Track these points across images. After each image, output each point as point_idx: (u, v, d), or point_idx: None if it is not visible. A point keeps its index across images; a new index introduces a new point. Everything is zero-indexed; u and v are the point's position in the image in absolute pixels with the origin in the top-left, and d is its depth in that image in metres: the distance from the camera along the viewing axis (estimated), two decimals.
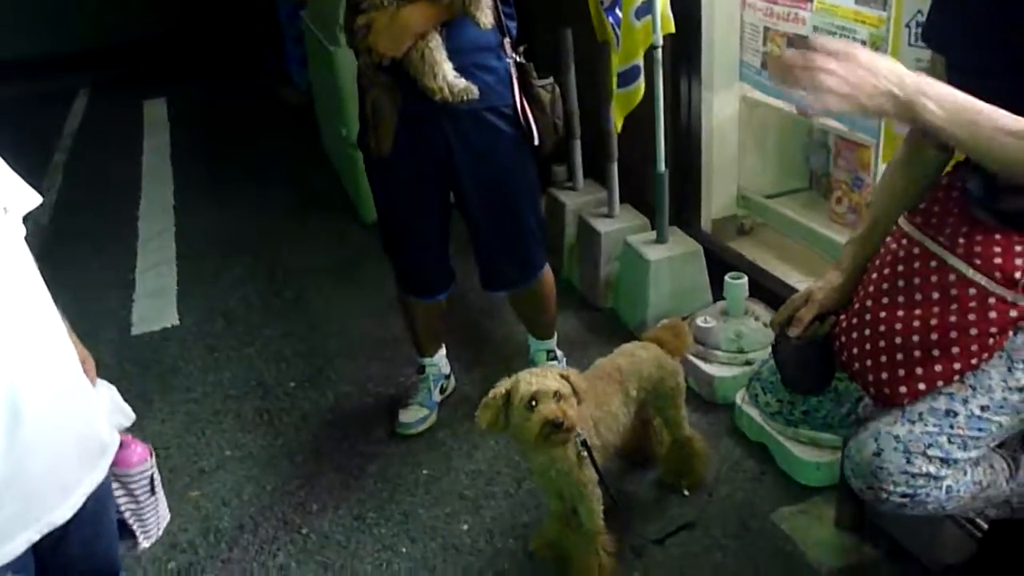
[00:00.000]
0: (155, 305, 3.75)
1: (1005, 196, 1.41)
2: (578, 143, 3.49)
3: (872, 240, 1.65)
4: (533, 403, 1.84)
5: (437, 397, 2.83)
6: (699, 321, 2.77)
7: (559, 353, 2.90)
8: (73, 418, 1.39)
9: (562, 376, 1.90)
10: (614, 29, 2.87)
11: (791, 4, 2.75)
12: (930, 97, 1.23)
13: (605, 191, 3.37)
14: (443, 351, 2.89)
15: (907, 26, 2.22)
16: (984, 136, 1.24)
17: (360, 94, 2.37)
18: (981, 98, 1.25)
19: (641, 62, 2.81)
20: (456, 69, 2.21)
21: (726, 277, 2.73)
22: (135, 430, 2.85)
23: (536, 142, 2.40)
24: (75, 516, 1.37)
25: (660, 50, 2.76)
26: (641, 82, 2.85)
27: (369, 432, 2.79)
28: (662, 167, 2.91)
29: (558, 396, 1.85)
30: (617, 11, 2.82)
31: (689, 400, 2.45)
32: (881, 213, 1.67)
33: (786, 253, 3.15)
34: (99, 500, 1.46)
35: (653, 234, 3.08)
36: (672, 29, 2.76)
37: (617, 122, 2.99)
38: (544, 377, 1.88)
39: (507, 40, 2.35)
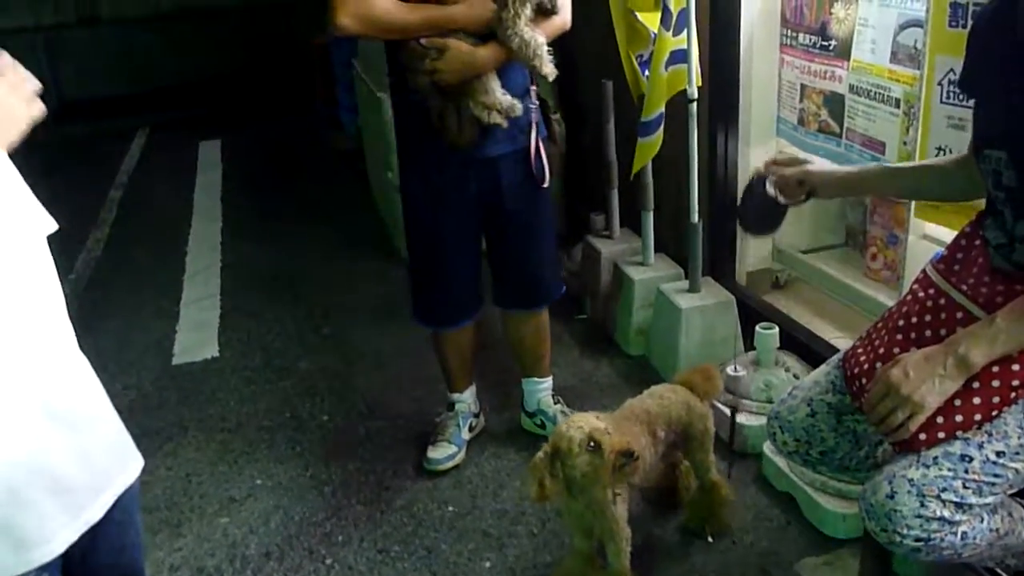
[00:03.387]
0: (197, 337, 3.85)
1: (1020, 247, 1.44)
2: (615, 192, 3.55)
3: (865, 174, 1.79)
4: (592, 444, 1.86)
5: (466, 435, 2.86)
6: (729, 370, 2.78)
7: (559, 398, 2.94)
8: (100, 419, 1.44)
9: (597, 418, 1.93)
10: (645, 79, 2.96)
11: (828, 63, 2.80)
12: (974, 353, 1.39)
13: (640, 240, 3.42)
14: (473, 388, 2.92)
15: (939, 84, 2.25)
16: None
17: (400, 124, 2.51)
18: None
19: (663, 113, 2.90)
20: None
21: (757, 327, 2.75)
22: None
23: (546, 183, 2.54)
24: (103, 526, 1.41)
25: (695, 103, 2.82)
26: (660, 133, 2.95)
27: (397, 467, 2.83)
28: (695, 218, 2.95)
29: (608, 432, 1.87)
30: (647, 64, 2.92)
31: (717, 448, 2.46)
32: (887, 170, 1.83)
33: (820, 308, 3.15)
34: (126, 510, 1.50)
35: (686, 283, 3.10)
36: (700, 83, 2.83)
37: (634, 169, 3.12)
38: (585, 419, 1.91)
39: (534, 88, 2.49)
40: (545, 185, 2.55)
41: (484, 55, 2.26)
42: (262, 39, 8.64)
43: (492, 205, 2.54)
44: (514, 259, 2.67)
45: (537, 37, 2.25)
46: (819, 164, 1.78)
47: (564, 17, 2.41)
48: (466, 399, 2.88)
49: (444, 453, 2.78)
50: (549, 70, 2.29)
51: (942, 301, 1.52)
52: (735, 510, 2.42)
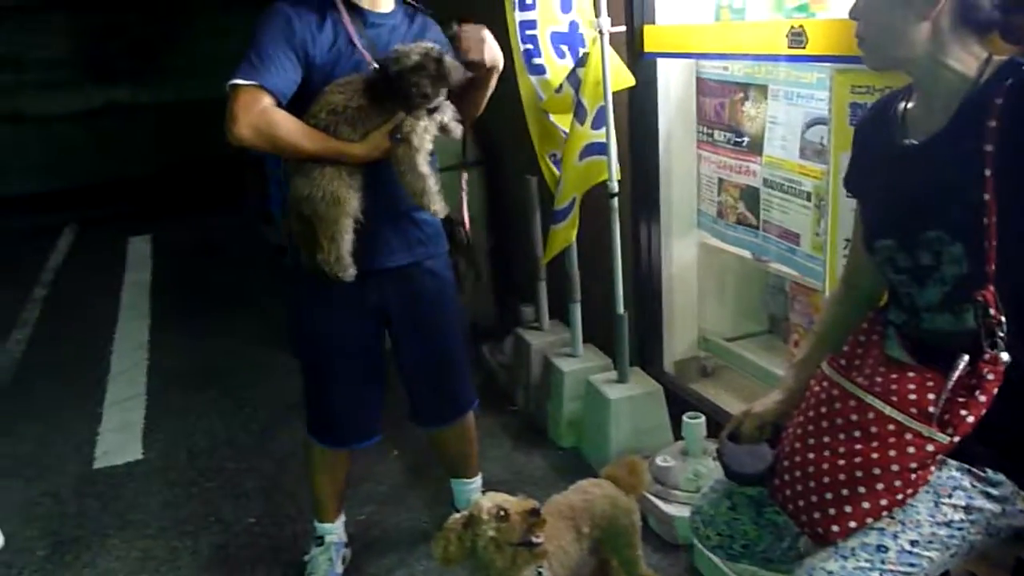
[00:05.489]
0: (120, 439, 3.74)
1: (927, 315, 1.53)
2: (543, 284, 3.60)
3: (811, 364, 1.73)
4: (502, 512, 1.85)
5: (340, 568, 2.67)
6: (658, 460, 2.79)
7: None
8: None
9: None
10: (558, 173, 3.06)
11: (742, 158, 2.91)
12: None
13: (570, 331, 3.44)
14: (343, 517, 2.75)
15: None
16: None
17: (296, 208, 2.25)
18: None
19: (575, 199, 2.99)
20: (398, 218, 2.32)
21: (684, 417, 2.77)
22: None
23: (460, 289, 2.53)
24: None
25: (616, 198, 2.89)
26: (570, 220, 3.04)
27: None
28: (621, 309, 3.00)
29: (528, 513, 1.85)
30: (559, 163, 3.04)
31: (649, 540, 2.45)
32: (820, 340, 1.79)
33: (748, 394, 3.19)
34: None
35: (615, 374, 3.13)
36: (620, 176, 2.92)
37: (547, 256, 3.20)
38: (503, 496, 1.89)
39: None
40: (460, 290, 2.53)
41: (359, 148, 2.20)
42: (193, 134, 8.65)
43: (391, 319, 2.47)
44: (422, 374, 2.56)
45: (429, 177, 2.20)
46: (759, 402, 1.81)
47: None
48: (337, 530, 2.71)
49: None
50: (438, 208, 2.23)
51: (835, 392, 1.56)
52: None
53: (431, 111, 2.20)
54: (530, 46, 3.01)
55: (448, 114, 2.27)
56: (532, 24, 2.98)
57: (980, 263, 1.42)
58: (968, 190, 1.41)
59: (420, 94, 2.13)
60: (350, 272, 2.22)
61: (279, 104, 2.15)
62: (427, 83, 2.12)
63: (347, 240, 2.20)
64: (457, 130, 2.32)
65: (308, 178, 2.17)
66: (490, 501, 1.88)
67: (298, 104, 2.18)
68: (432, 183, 2.21)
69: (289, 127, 2.14)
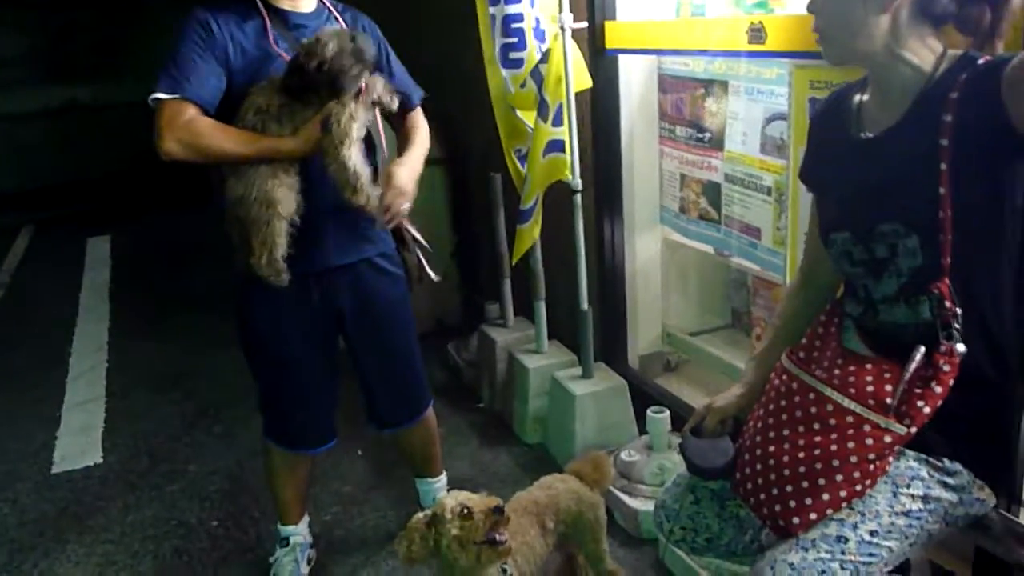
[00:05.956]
0: (79, 443, 3.68)
1: (883, 307, 1.54)
2: (508, 282, 3.60)
3: (771, 357, 1.74)
4: (465, 510, 1.84)
5: (305, 569, 2.65)
6: (623, 455, 2.80)
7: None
8: None
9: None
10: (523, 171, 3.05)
11: (703, 154, 2.92)
12: None
13: (535, 328, 3.44)
14: (307, 518, 2.72)
15: None
16: None
17: (231, 210, 2.18)
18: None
19: (539, 199, 2.99)
20: (343, 215, 2.23)
21: (648, 411, 2.78)
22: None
23: (411, 285, 2.49)
24: None
25: (579, 195, 2.90)
26: (536, 219, 3.03)
27: None
28: (585, 305, 3.01)
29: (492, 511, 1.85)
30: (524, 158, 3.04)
31: (615, 534, 2.45)
32: (779, 333, 1.80)
33: (711, 388, 3.21)
34: None
35: (580, 369, 3.13)
36: (582, 174, 2.93)
37: (516, 256, 3.17)
38: (466, 493, 1.89)
39: None
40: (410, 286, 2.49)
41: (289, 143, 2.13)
42: (151, 134, 8.53)
43: (345, 320, 2.42)
44: (378, 375, 2.53)
45: (358, 167, 2.12)
46: (720, 396, 1.82)
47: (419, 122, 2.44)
48: (301, 531, 2.68)
49: None
50: (363, 200, 2.14)
51: (794, 385, 1.58)
52: None
53: (357, 94, 2.14)
54: (514, 39, 2.98)
55: (379, 88, 2.22)
56: (519, 17, 2.95)
57: (936, 255, 1.43)
58: (924, 184, 1.42)
59: (351, 77, 2.09)
60: (283, 277, 2.16)
61: (206, 113, 2.10)
62: (351, 63, 2.07)
63: (280, 244, 2.12)
64: (394, 102, 2.27)
65: (241, 179, 2.11)
66: (453, 500, 1.87)
67: (226, 111, 2.13)
68: (359, 172, 2.12)
69: (216, 135, 2.08)
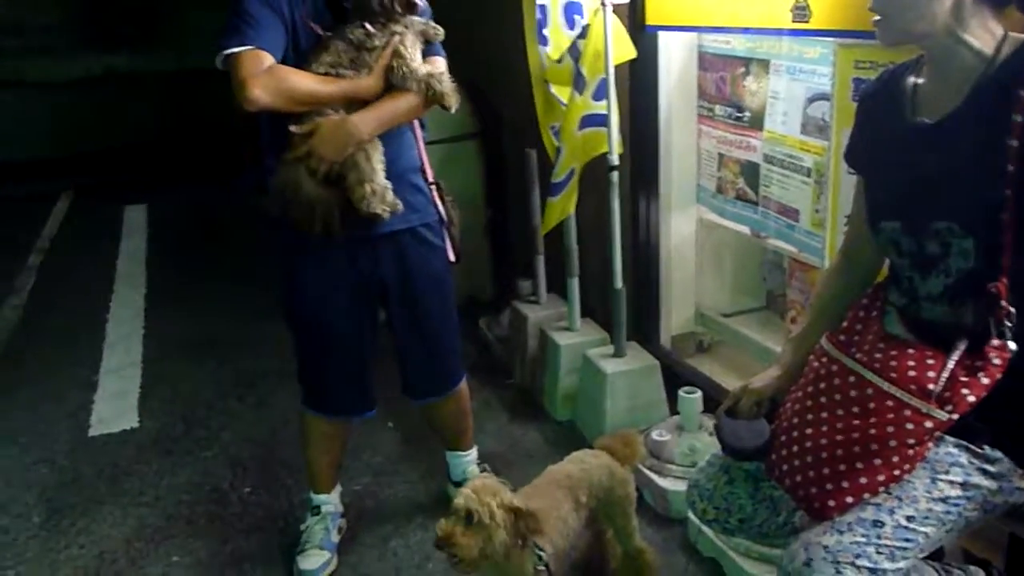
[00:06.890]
0: (116, 407, 3.74)
1: (926, 304, 1.52)
2: (542, 258, 3.59)
3: (809, 339, 1.73)
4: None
5: (335, 538, 2.66)
6: (654, 435, 2.80)
7: (485, 466, 2.86)
8: None
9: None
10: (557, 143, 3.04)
11: (743, 133, 2.89)
12: None
13: (567, 305, 3.44)
14: (339, 488, 2.76)
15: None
16: None
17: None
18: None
19: (572, 171, 2.97)
20: (393, 182, 2.26)
21: (680, 391, 2.78)
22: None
23: (453, 257, 2.51)
24: None
25: (616, 172, 2.88)
26: (567, 193, 3.02)
27: None
28: (619, 283, 3.00)
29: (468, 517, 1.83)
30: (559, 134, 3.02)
31: (643, 514, 2.45)
32: (818, 315, 1.79)
33: (744, 370, 3.20)
34: None
35: (612, 348, 3.13)
36: (621, 150, 2.90)
37: (544, 228, 3.18)
38: (480, 491, 1.87)
39: (427, 166, 2.46)
40: (452, 260, 2.50)
41: (358, 118, 2.17)
42: (190, 103, 8.57)
43: (387, 290, 2.45)
44: (415, 347, 2.55)
45: (433, 69, 2.21)
46: (757, 377, 1.79)
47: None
48: (333, 500, 2.71)
49: (318, 561, 2.56)
50: (453, 101, 2.25)
51: (834, 368, 1.56)
52: None
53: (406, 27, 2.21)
54: (540, 16, 3.00)
55: (418, 26, 2.26)
56: None
57: (991, 257, 1.41)
58: (986, 184, 1.40)
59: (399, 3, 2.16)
60: (399, 206, 2.25)
61: None
62: None
63: (380, 171, 2.21)
64: (440, 33, 2.30)
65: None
66: (476, 501, 1.84)
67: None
68: (441, 72, 2.24)
69: (299, 77, 2.13)
